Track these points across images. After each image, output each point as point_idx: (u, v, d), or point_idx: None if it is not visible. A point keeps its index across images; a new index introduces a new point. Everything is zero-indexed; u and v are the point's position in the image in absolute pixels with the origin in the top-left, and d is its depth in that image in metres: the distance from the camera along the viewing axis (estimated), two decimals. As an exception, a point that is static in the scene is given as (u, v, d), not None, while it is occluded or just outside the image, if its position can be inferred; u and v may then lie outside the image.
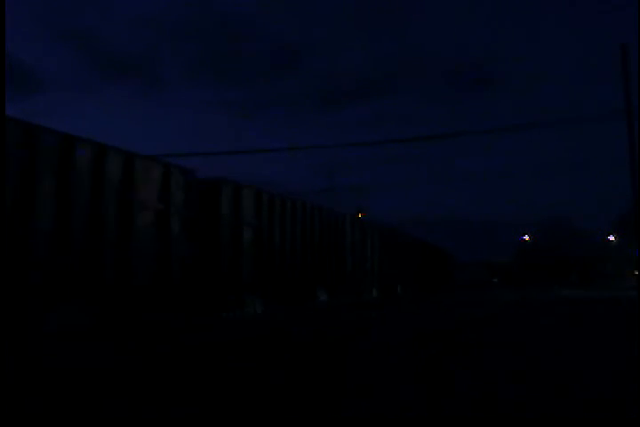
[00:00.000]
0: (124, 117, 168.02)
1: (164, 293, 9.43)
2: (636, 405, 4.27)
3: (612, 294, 27.43)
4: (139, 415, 3.96)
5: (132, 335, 8.16)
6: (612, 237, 60.86)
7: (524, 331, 10.49)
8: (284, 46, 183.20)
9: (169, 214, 9.75)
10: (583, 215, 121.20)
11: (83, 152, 8.15)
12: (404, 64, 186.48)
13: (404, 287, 26.91)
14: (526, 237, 74.50)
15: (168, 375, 5.39)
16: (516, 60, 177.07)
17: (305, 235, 15.33)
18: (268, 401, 4.44)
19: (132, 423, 3.81)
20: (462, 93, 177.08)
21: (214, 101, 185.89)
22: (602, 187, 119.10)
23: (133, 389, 4.79)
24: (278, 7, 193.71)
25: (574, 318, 13.01)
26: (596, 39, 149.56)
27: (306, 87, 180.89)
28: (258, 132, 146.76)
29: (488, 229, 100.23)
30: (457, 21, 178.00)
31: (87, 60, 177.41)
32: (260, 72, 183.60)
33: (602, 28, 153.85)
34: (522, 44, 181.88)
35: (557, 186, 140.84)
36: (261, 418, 4.01)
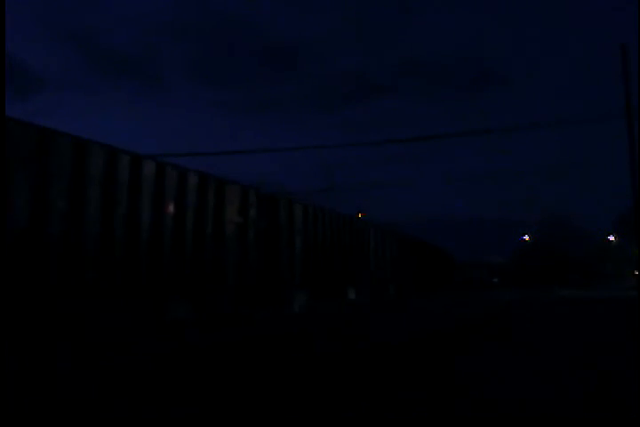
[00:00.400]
0: (124, 117, 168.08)
1: (244, 291, 11.51)
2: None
3: (611, 294, 27.47)
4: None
5: (227, 324, 10.39)
6: (611, 237, 60.84)
7: (525, 330, 10.49)
8: (284, 46, 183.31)
9: (247, 226, 11.77)
10: (583, 215, 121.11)
11: (192, 181, 10.47)
12: (404, 64, 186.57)
13: (407, 287, 27.58)
14: (526, 237, 74.51)
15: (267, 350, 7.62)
16: (516, 60, 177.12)
17: (339, 241, 17.44)
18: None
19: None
20: (462, 93, 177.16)
21: (214, 101, 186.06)
22: (602, 187, 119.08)
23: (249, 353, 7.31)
24: (278, 7, 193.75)
25: (575, 318, 13.01)
26: (597, 39, 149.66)
27: (306, 87, 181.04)
28: (258, 132, 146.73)
29: (488, 229, 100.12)
30: (457, 21, 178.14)
31: (87, 60, 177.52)
32: (259, 72, 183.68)
33: (602, 28, 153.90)
34: (522, 43, 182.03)
35: (557, 186, 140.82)
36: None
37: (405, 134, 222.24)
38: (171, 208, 9.74)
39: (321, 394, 4.90)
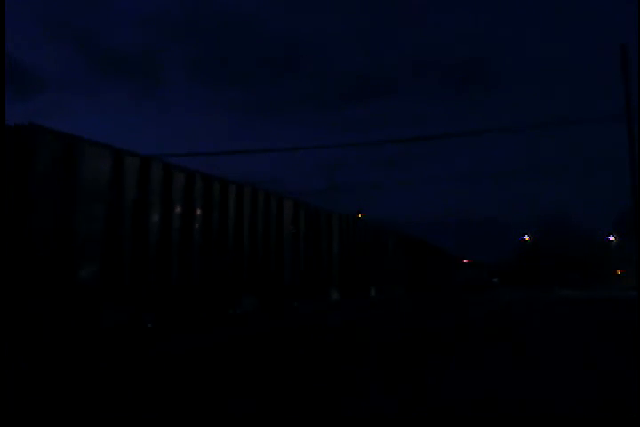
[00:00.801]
0: (124, 117, 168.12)
1: (296, 288, 13.88)
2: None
3: (611, 294, 27.47)
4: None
5: (284, 314, 12.82)
6: (611, 237, 60.85)
7: (525, 330, 10.52)
8: (284, 46, 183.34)
9: (298, 235, 14.21)
10: (583, 215, 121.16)
11: (260, 198, 12.72)
12: (404, 64, 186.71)
13: (409, 287, 28.33)
14: (526, 237, 74.54)
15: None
16: (516, 59, 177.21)
17: (364, 245, 20.13)
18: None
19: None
20: (463, 93, 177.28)
21: (214, 101, 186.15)
22: (602, 187, 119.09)
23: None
24: (278, 6, 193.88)
25: (575, 318, 13.03)
26: (597, 39, 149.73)
27: (306, 87, 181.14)
28: (258, 132, 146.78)
29: (488, 229, 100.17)
30: (458, 21, 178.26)
31: (88, 60, 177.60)
32: (260, 72, 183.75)
33: (603, 27, 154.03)
34: (522, 43, 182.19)
35: (557, 186, 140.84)
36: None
37: (406, 134, 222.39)
38: (246, 222, 12.24)
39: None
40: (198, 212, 10.62)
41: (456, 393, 5.06)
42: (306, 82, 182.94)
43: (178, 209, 10.20)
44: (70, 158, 7.87)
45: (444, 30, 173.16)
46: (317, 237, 15.84)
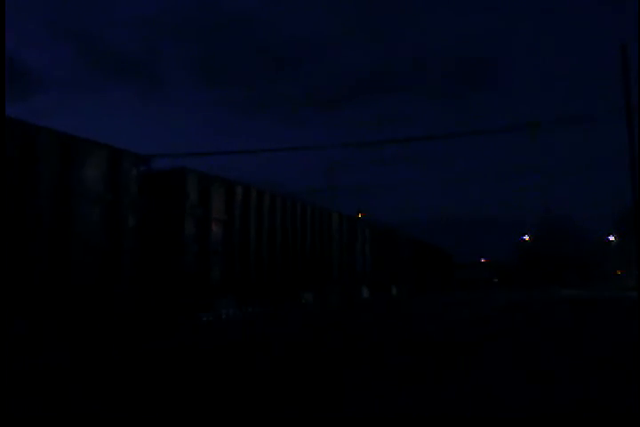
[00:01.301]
0: (125, 117, 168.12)
1: (338, 285, 17.60)
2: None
3: (611, 294, 27.47)
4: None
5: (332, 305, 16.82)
6: (611, 237, 60.80)
7: (527, 329, 10.55)
8: (284, 46, 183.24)
9: (341, 241, 17.98)
10: (583, 215, 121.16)
11: (312, 212, 16.69)
12: (404, 64, 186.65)
13: (415, 286, 29.09)
14: (526, 237, 74.49)
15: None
16: (517, 59, 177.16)
17: (388, 249, 23.81)
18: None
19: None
20: (463, 93, 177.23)
21: (215, 101, 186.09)
22: (602, 187, 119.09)
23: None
24: (280, 6, 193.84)
25: (576, 318, 13.04)
26: (598, 38, 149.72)
27: (307, 87, 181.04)
28: (258, 132, 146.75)
29: (488, 229, 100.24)
30: (459, 21, 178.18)
31: (88, 60, 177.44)
32: (260, 71, 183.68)
33: (603, 27, 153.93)
34: (522, 43, 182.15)
35: (558, 186, 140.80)
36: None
37: (406, 134, 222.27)
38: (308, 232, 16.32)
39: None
40: (278, 225, 15.04)
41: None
42: (306, 82, 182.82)
43: (266, 225, 14.70)
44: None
45: (444, 30, 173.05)
46: (353, 243, 19.17)
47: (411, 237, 31.81)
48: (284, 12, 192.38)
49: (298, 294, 15.51)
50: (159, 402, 4.65)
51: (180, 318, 11.25)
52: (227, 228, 13.06)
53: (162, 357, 7.15)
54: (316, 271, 15.97)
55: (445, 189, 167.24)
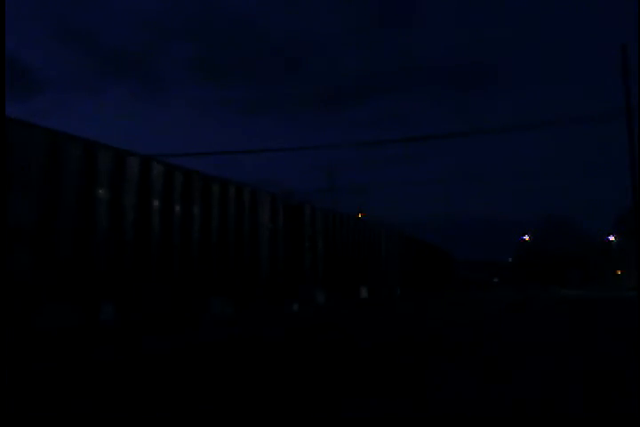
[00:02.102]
0: (125, 117, 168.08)
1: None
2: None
3: (612, 294, 27.46)
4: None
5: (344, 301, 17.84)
6: (612, 237, 60.81)
7: (528, 328, 10.55)
8: (285, 45, 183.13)
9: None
10: (583, 215, 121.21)
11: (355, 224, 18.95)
12: (405, 64, 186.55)
13: (411, 286, 29.25)
14: (526, 237, 74.52)
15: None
16: (517, 59, 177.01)
17: (404, 251, 26.16)
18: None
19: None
20: (463, 93, 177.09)
21: (215, 101, 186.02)
22: (602, 187, 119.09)
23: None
24: (281, 7, 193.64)
25: (577, 318, 13.04)
26: (597, 39, 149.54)
27: (308, 87, 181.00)
28: (259, 132, 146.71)
29: (488, 229, 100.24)
30: (459, 21, 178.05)
31: (88, 60, 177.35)
32: (261, 71, 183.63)
33: (603, 27, 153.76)
34: (523, 43, 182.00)
35: (557, 186, 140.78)
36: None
37: (407, 134, 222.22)
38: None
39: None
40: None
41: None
42: (306, 82, 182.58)
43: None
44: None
45: (445, 30, 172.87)
46: (377, 246, 21.28)
47: (412, 237, 31.82)
48: (284, 12, 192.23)
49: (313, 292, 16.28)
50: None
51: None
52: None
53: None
54: (331, 271, 17.55)
55: (445, 190, 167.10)
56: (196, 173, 11.01)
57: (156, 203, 9.83)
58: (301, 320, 13.00)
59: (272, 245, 13.79)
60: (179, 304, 10.26)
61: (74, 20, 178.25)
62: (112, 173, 8.95)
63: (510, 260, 76.86)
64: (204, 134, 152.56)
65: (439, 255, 40.64)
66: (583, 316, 14.05)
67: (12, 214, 7.41)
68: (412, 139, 44.27)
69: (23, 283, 7.51)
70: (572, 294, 30.74)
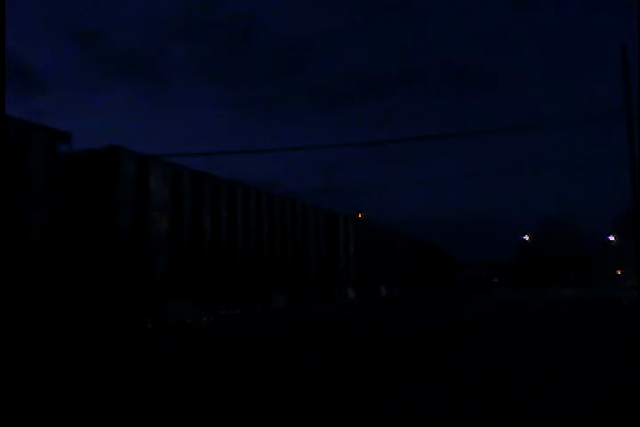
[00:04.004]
0: (127, 117, 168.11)
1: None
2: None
3: (612, 294, 27.45)
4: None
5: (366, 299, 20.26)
6: (612, 237, 60.76)
7: (530, 327, 10.57)
8: (285, 45, 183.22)
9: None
10: (583, 215, 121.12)
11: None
12: (406, 63, 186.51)
13: (412, 286, 29.49)
14: (526, 237, 74.44)
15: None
16: (518, 59, 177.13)
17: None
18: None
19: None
20: (464, 93, 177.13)
21: (216, 101, 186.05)
22: (601, 187, 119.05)
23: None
24: (282, 6, 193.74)
25: (578, 318, 13.04)
26: (598, 38, 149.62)
27: (308, 87, 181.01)
28: (260, 132, 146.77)
29: (488, 229, 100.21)
30: (459, 21, 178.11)
31: (91, 60, 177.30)
32: (262, 71, 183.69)
33: (603, 27, 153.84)
34: (523, 42, 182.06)
35: (557, 186, 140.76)
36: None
37: (407, 134, 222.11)
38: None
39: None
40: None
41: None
42: (306, 82, 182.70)
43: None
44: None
45: (446, 30, 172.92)
46: (394, 249, 23.32)
47: (413, 237, 31.91)
48: (285, 12, 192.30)
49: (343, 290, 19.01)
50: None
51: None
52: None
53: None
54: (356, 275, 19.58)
55: (446, 190, 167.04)
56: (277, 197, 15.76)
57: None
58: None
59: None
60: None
61: (76, 19, 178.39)
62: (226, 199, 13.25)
63: (510, 260, 76.78)
64: (204, 134, 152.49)
65: (440, 256, 40.72)
66: (583, 315, 14.07)
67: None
68: (412, 139, 44.25)
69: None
70: (572, 293, 30.76)
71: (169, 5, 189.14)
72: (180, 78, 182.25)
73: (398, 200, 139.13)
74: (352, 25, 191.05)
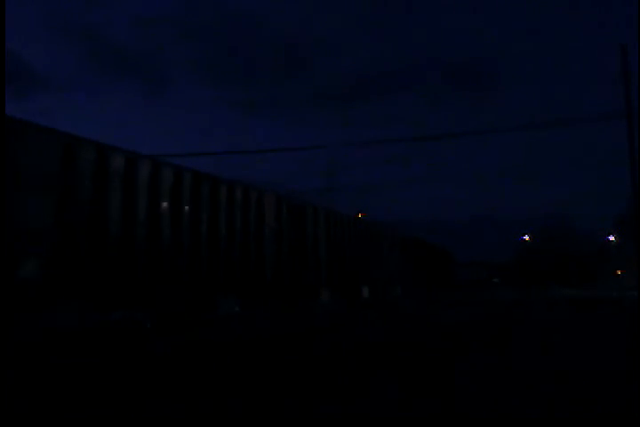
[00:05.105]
0: (128, 117, 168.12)
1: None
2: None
3: (612, 294, 27.45)
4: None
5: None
6: (612, 237, 60.72)
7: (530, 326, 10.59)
8: (286, 45, 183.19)
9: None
10: (583, 215, 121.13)
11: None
12: (406, 64, 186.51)
13: (412, 286, 29.64)
14: (526, 237, 74.41)
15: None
16: (517, 59, 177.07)
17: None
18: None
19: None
20: (464, 93, 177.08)
21: (217, 101, 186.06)
22: (602, 186, 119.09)
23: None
24: (282, 6, 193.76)
25: (578, 317, 13.06)
26: (597, 38, 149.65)
27: (309, 87, 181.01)
28: (260, 132, 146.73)
29: (488, 229, 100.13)
30: (460, 21, 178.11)
31: (91, 59, 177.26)
32: (263, 71, 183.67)
33: (602, 27, 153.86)
34: (523, 42, 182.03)
35: (557, 186, 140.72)
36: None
37: (407, 133, 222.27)
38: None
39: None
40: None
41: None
42: (306, 82, 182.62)
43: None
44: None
45: (446, 30, 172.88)
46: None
47: (412, 237, 31.88)
48: (285, 12, 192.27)
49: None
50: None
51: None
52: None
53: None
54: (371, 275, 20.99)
55: (446, 189, 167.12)
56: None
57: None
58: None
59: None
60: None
61: (77, 19, 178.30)
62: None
63: (510, 260, 76.74)
64: (205, 134, 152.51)
65: (439, 255, 40.67)
66: (584, 316, 14.08)
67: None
68: (412, 139, 44.33)
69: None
70: (573, 293, 30.76)
71: (172, 4, 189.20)
72: (180, 77, 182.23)
73: (398, 200, 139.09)
74: (352, 25, 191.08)
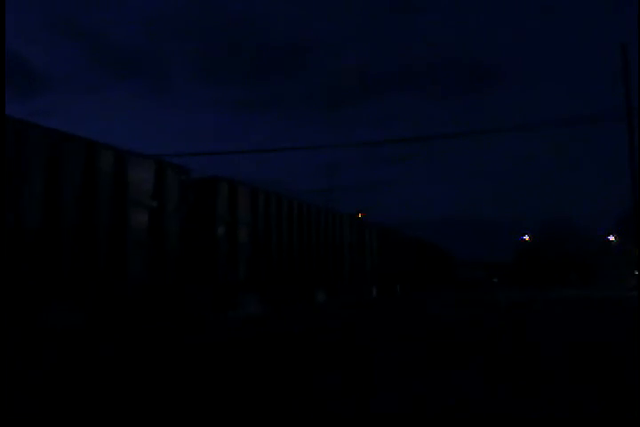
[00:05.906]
0: (128, 117, 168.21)
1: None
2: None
3: (612, 294, 27.48)
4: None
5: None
6: (611, 237, 60.72)
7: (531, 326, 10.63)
8: (286, 45, 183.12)
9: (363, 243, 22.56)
10: (583, 215, 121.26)
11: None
12: (406, 63, 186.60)
13: (412, 286, 29.48)
14: (526, 237, 74.43)
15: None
16: (518, 59, 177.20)
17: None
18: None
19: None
20: (464, 93, 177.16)
21: (217, 100, 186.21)
22: (602, 187, 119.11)
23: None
24: (282, 6, 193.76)
25: (578, 317, 13.09)
26: (597, 38, 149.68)
27: (309, 86, 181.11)
28: (261, 132, 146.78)
29: (488, 229, 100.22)
30: (460, 21, 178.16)
31: (92, 59, 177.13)
32: (263, 71, 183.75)
33: (602, 27, 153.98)
34: (523, 43, 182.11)
35: (557, 186, 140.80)
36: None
37: (407, 133, 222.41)
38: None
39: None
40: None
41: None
42: (307, 81, 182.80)
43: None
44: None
45: (446, 30, 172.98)
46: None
47: (412, 237, 31.91)
48: (286, 12, 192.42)
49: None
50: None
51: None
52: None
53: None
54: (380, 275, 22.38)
55: (446, 189, 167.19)
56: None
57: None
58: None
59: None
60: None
61: (78, 19, 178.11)
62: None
63: (510, 260, 76.77)
64: (205, 134, 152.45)
65: (438, 255, 40.68)
66: (584, 316, 14.08)
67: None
68: (413, 139, 44.30)
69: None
70: (573, 293, 30.79)
71: (170, 5, 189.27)
72: (180, 77, 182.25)
73: (398, 200, 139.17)
74: (351, 25, 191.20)
